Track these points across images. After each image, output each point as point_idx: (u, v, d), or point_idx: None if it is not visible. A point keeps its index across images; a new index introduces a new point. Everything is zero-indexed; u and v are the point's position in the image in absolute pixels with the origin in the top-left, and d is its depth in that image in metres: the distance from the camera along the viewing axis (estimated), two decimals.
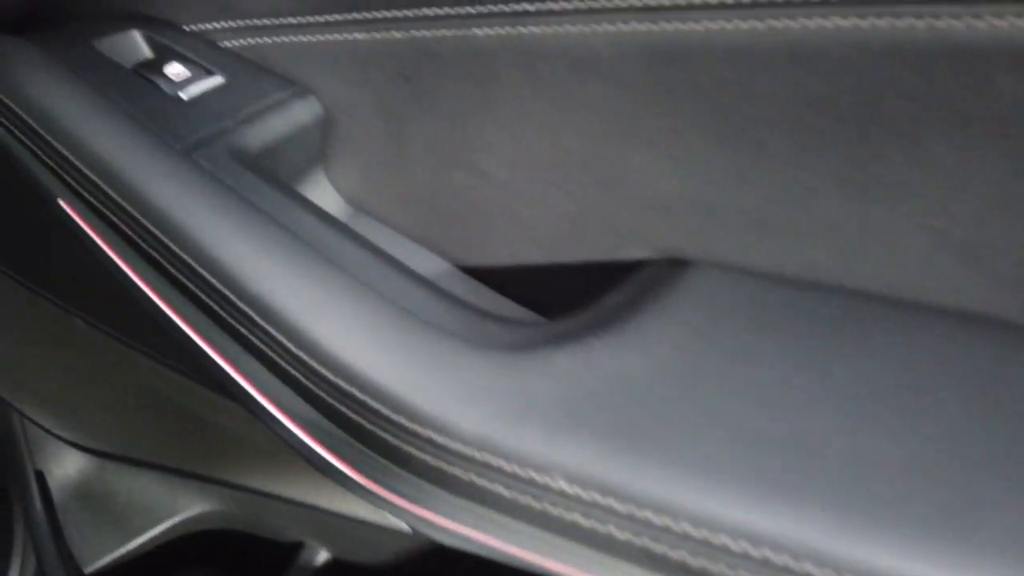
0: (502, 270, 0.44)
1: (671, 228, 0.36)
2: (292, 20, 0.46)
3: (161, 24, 0.50)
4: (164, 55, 0.48)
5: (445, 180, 0.43)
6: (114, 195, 0.39)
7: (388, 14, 0.41)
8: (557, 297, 0.41)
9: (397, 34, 0.41)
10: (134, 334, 0.46)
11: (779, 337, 0.30)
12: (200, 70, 0.47)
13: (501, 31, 0.36)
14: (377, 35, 0.42)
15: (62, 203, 0.42)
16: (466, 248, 0.44)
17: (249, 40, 0.49)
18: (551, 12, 0.35)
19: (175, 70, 0.47)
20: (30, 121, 0.42)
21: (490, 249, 0.43)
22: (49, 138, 0.41)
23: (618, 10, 0.33)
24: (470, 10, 0.37)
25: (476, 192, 0.42)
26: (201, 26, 0.50)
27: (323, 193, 0.49)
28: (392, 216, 0.47)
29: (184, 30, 0.50)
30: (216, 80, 0.47)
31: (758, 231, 0.33)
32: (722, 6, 0.30)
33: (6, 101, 0.44)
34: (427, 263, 0.45)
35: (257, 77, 0.48)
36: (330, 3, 0.43)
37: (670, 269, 0.35)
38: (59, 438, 0.62)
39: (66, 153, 0.40)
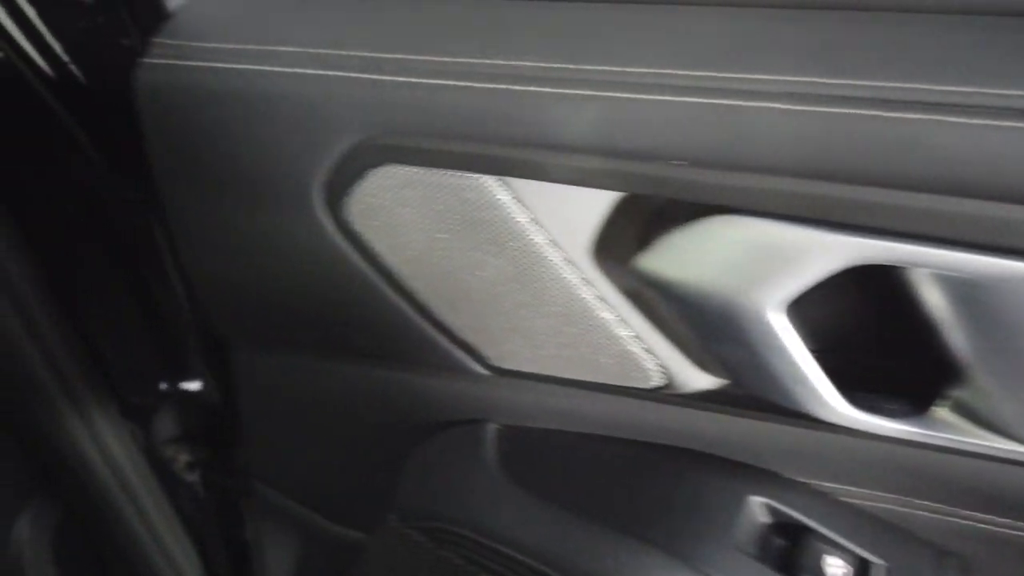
0: None
1: None
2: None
3: (781, 483, 0.40)
4: (802, 538, 0.38)
5: None
6: None
7: None
8: None
9: None
10: None
11: None
12: (854, 559, 0.37)
13: None
14: None
15: None
16: None
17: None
18: None
19: (834, 569, 0.37)
20: None
21: None
22: None
23: None
24: None
25: None
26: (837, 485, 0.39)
27: None
28: None
29: (811, 489, 0.40)
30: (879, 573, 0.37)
31: None
32: None
33: None
34: None
35: (915, 553, 0.38)
36: None
37: None
38: None
39: None
